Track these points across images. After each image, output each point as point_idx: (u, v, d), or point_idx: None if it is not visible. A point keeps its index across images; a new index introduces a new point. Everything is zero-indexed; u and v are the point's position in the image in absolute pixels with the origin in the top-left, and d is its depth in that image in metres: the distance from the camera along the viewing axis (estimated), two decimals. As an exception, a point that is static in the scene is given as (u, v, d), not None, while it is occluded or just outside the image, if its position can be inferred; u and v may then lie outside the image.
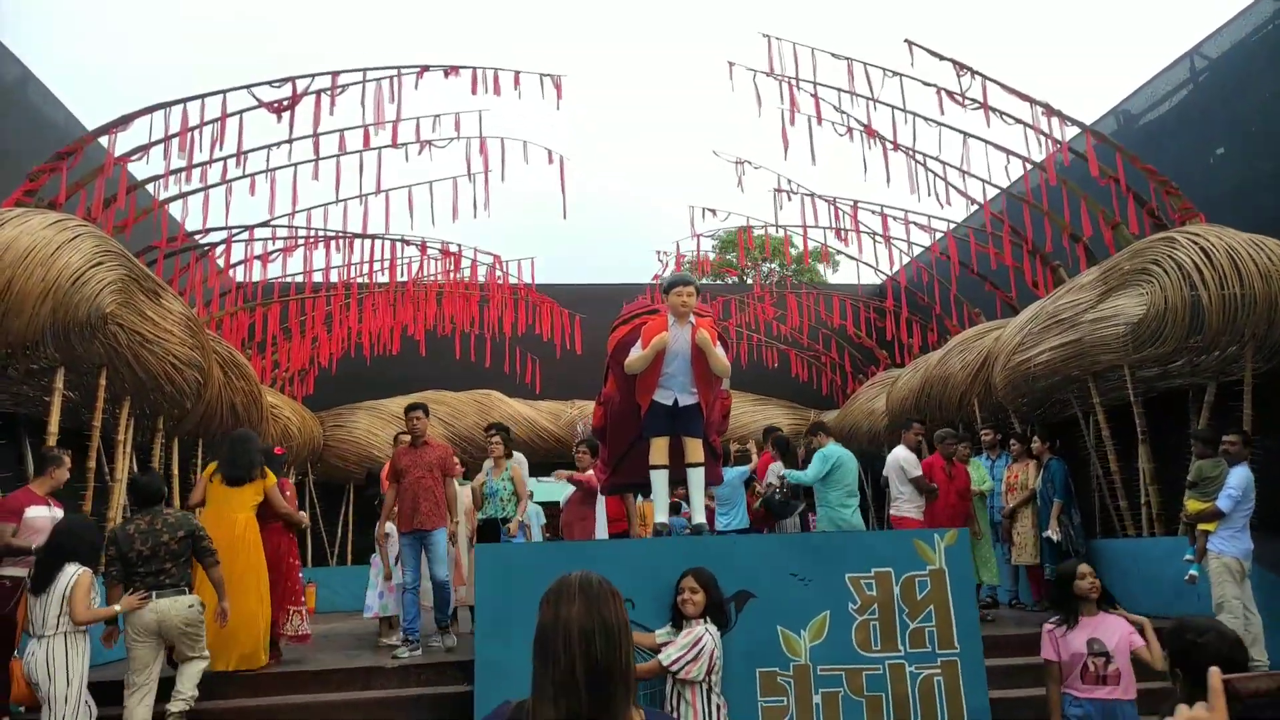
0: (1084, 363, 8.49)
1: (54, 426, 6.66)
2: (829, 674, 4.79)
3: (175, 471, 9.08)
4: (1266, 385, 7.43)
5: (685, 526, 11.23)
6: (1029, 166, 9.33)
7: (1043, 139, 8.65)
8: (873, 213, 11.03)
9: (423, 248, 11.04)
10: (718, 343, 5.87)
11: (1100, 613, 4.76)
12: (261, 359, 12.17)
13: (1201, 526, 6.73)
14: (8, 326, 6.26)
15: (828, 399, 16.04)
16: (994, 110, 8.48)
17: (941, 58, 8.44)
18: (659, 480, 5.90)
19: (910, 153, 9.34)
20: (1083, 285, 8.77)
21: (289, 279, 11.65)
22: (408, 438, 8.43)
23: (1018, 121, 8.57)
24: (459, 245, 11.22)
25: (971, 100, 8.58)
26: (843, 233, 11.48)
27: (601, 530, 7.54)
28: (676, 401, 5.87)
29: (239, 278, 10.40)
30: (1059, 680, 4.62)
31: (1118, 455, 8.78)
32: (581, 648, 1.98)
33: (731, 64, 9.83)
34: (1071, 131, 9.03)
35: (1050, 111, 8.31)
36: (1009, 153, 9.09)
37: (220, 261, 9.82)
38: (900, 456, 7.91)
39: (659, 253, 14.73)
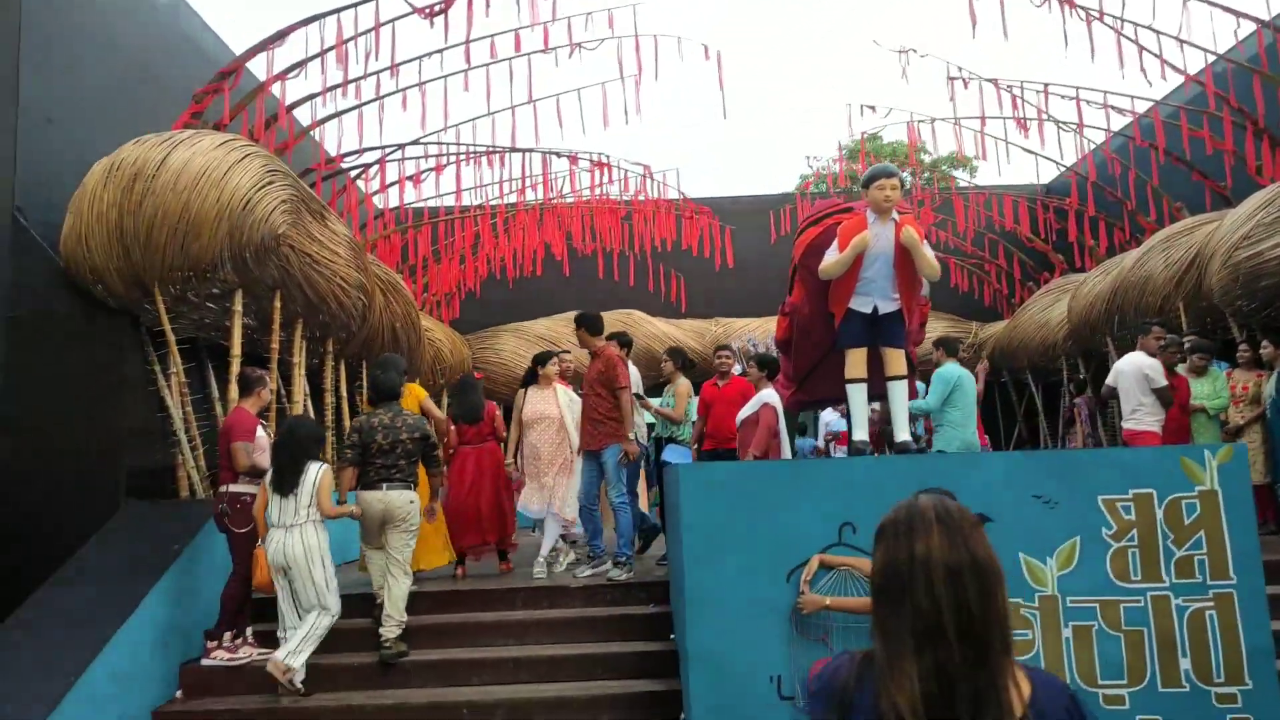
0: (1335, 255, 7.35)
1: (236, 349, 6.71)
2: (1080, 606, 4.24)
3: (344, 394, 9.19)
4: None
5: (813, 447, 10.68)
6: (1266, 26, 7.99)
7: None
8: (1064, 98, 9.85)
9: (573, 159, 10.61)
10: (924, 241, 5.25)
11: None
12: (413, 282, 12.19)
13: None
14: (187, 249, 6.25)
15: (990, 309, 14.97)
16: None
17: None
18: (857, 395, 5.39)
19: (1118, 22, 8.17)
20: (1333, 165, 7.55)
21: (439, 199, 11.51)
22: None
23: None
24: (605, 156, 10.72)
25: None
26: (1025, 123, 10.35)
27: (786, 451, 7.12)
28: (876, 309, 5.31)
29: (393, 200, 10.30)
30: None
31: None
32: (948, 589, 1.56)
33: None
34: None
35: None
36: (1238, 14, 7.81)
37: (375, 183, 9.72)
38: (1143, 363, 7.09)
39: (809, 158, 13.85)
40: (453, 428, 7.19)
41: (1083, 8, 8.49)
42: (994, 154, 17.42)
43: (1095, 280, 11.24)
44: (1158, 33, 8.27)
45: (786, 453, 7.29)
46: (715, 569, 4.29)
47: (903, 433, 5.38)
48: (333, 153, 8.51)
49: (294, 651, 5.28)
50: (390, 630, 5.62)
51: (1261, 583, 4.24)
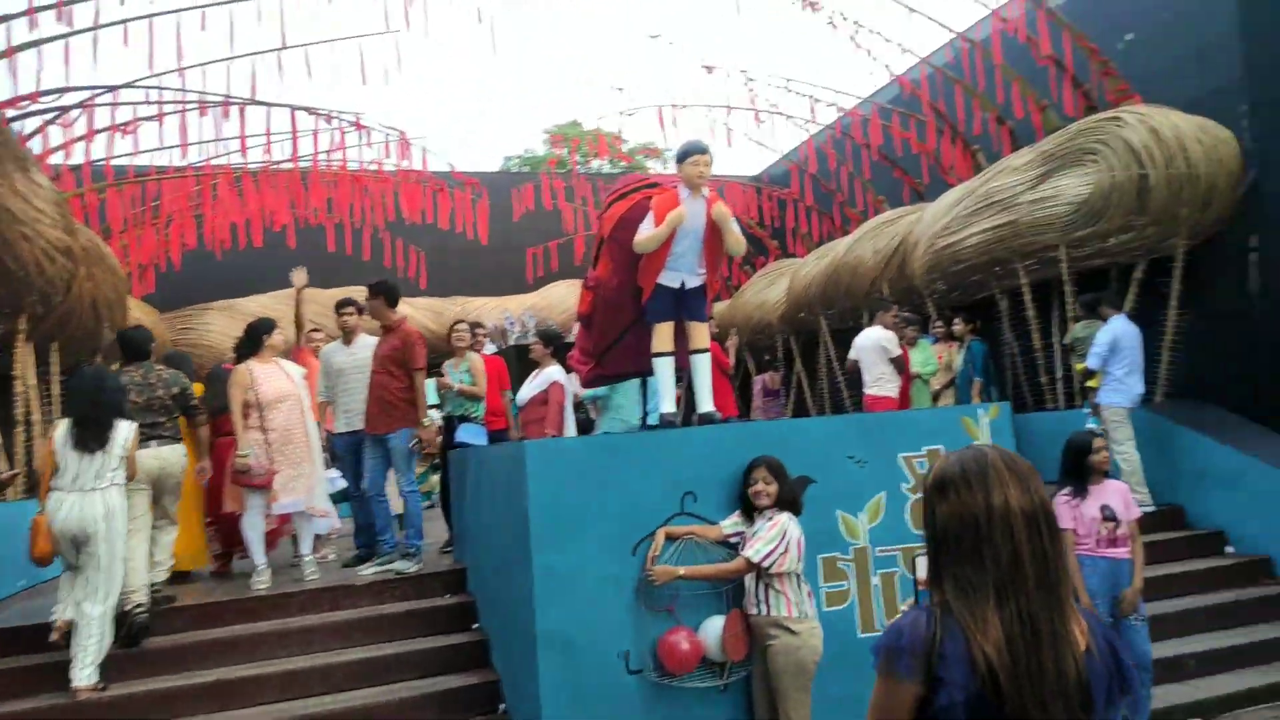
0: (1018, 244, 8.69)
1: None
2: (886, 555, 4.66)
3: (33, 382, 7.66)
4: (1192, 263, 7.86)
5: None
6: (963, 36, 9.20)
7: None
8: (779, 88, 10.70)
9: (326, 118, 9.63)
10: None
11: (1104, 479, 4.92)
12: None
13: (1090, 384, 7.32)
14: None
15: (712, 291, 15.94)
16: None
17: None
18: (664, 367, 5.47)
19: (841, 18, 9.00)
20: (1017, 167, 8.90)
21: (155, 153, 9.93)
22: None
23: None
24: (356, 116, 9.86)
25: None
26: (759, 115, 11.12)
27: (571, 429, 7.06)
28: (684, 283, 5.42)
29: (99, 152, 8.71)
30: (1073, 547, 4.78)
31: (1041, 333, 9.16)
32: (1028, 537, 1.63)
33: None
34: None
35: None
36: (939, 23, 8.95)
37: (80, 130, 8.10)
38: (881, 336, 7.90)
39: (546, 132, 13.82)
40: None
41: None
42: (724, 142, 18.46)
43: (812, 264, 12.40)
44: (872, 32, 9.22)
45: (571, 430, 7.25)
46: (563, 549, 4.16)
47: (706, 404, 5.55)
48: (30, 90, 6.99)
49: (92, 665, 4.65)
50: (158, 575, 5.48)
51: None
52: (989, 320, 10.08)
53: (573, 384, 6.97)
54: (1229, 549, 6.89)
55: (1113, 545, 4.79)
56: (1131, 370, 7.10)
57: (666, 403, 5.50)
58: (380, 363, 6.11)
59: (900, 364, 7.92)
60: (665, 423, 5.42)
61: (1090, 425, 7.11)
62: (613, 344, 6.06)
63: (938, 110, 9.98)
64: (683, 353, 5.67)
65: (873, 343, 7.97)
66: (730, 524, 4.32)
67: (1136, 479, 6.90)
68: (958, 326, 9.48)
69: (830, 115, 11.74)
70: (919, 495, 4.75)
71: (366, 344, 6.62)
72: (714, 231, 5.31)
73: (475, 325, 7.66)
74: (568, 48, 45.87)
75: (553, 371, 7.00)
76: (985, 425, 4.93)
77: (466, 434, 6.58)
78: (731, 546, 4.29)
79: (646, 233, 5.23)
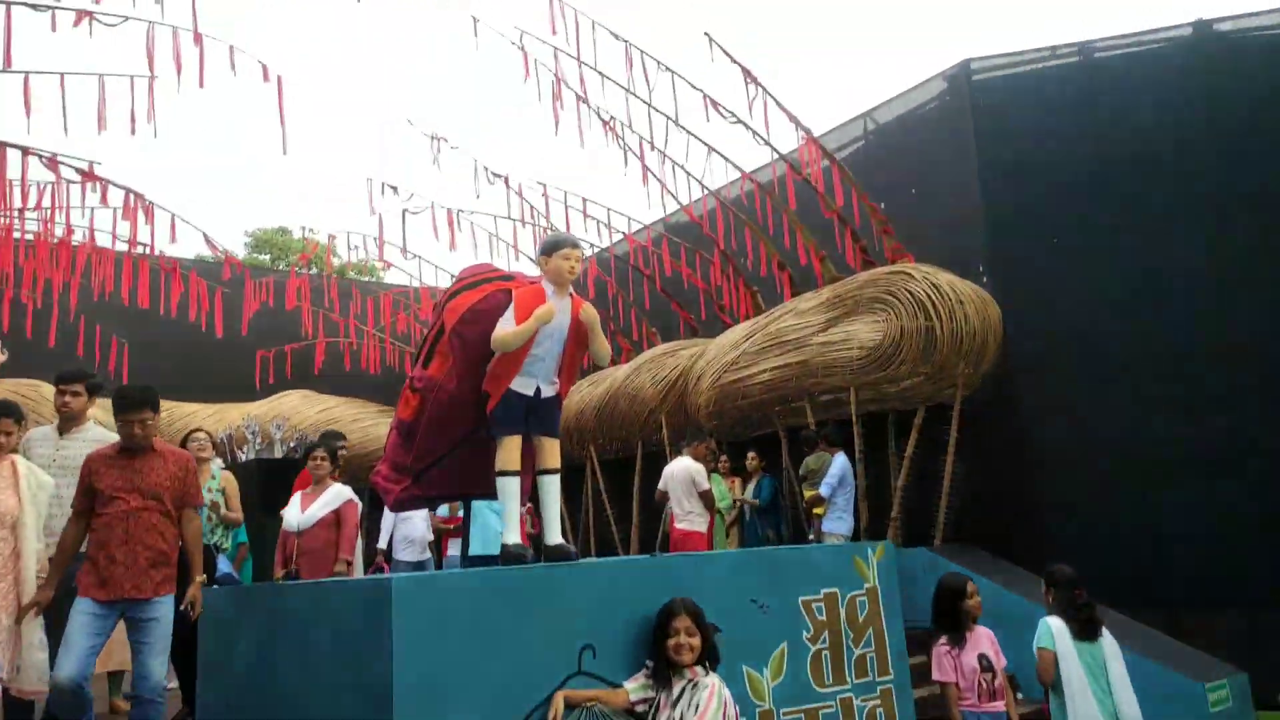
0: (809, 383, 8.88)
1: None
2: (790, 717, 4.04)
3: None
4: (966, 411, 8.43)
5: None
6: (751, 176, 9.55)
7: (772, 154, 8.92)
8: (584, 213, 10.50)
9: (52, 163, 7.50)
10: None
11: (975, 626, 4.78)
12: None
13: (816, 511, 8.03)
14: None
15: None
16: (747, 125, 8.55)
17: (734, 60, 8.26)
18: (511, 487, 4.63)
19: (638, 140, 9.02)
20: (803, 310, 9.21)
21: None
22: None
23: (759, 137, 8.72)
24: (89, 164, 7.85)
25: (730, 114, 8.56)
26: (539, 227, 10.78)
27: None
28: (539, 391, 4.70)
29: None
30: (955, 702, 4.55)
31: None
32: None
33: (476, 20, 8.63)
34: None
35: (812, 140, 8.60)
36: (731, 163, 9.26)
37: None
38: (691, 467, 7.46)
39: (248, 234, 12.41)
40: None
41: (608, 123, 9.20)
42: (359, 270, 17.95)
43: (587, 388, 11.99)
44: (667, 157, 9.32)
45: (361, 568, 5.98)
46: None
47: (556, 534, 4.72)
48: None
49: None
50: None
51: (908, 674, 4.55)
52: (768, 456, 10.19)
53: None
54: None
55: (993, 699, 4.56)
56: (849, 503, 7.98)
57: (512, 532, 4.60)
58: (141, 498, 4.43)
59: (710, 498, 7.57)
60: (511, 556, 4.50)
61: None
62: (438, 460, 5.06)
63: (722, 248, 10.21)
64: (529, 473, 4.87)
65: (683, 473, 7.56)
66: (637, 688, 3.49)
67: None
68: (751, 461, 9.46)
69: (612, 238, 11.69)
70: (820, 645, 4.23)
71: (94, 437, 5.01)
72: (578, 335, 4.68)
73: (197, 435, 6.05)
74: (347, 134, 43.67)
75: (342, 490, 5.78)
76: (874, 565, 4.58)
77: (227, 566, 5.11)
78: (638, 717, 3.46)
79: (508, 328, 4.48)
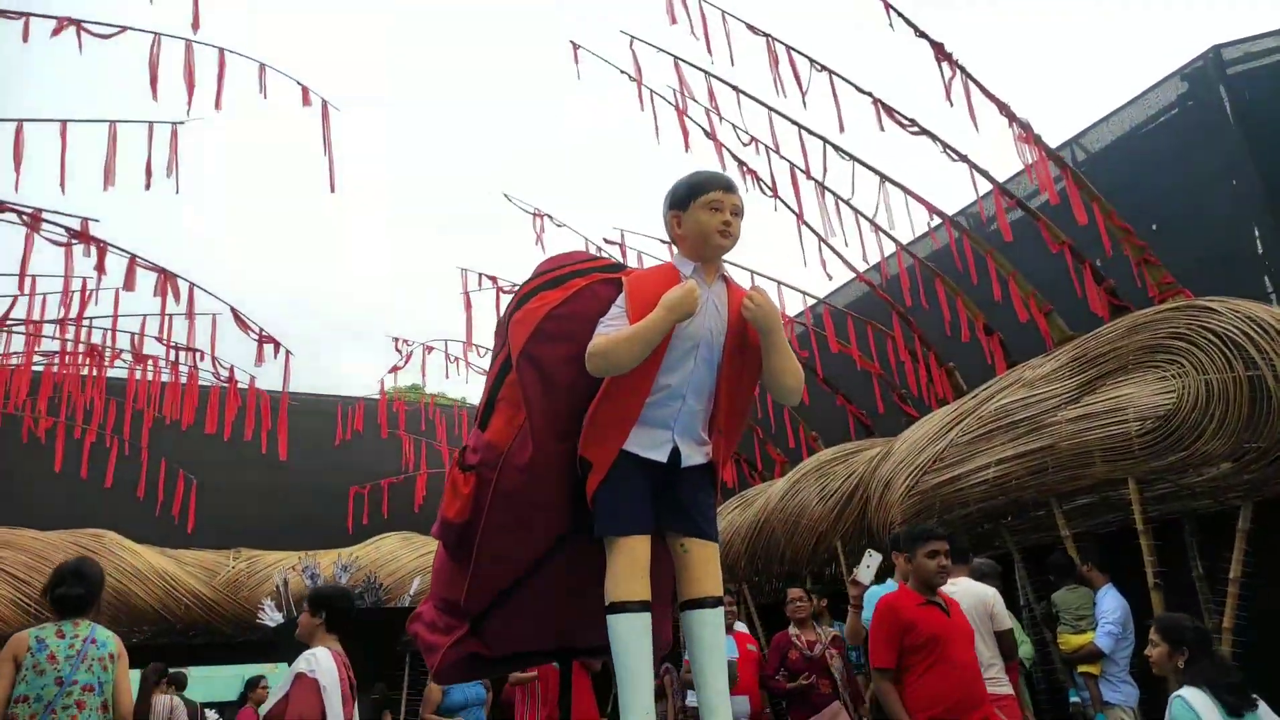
0: (1059, 477, 6.22)
1: None
2: None
3: None
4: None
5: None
6: (947, 218, 7.22)
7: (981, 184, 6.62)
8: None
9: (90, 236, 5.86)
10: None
11: None
12: None
13: (1086, 670, 5.55)
14: None
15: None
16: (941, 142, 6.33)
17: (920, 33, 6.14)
18: (636, 635, 2.41)
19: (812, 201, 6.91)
20: (1034, 380, 6.67)
21: None
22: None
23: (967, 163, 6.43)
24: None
25: (910, 122, 6.39)
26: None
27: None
28: (678, 452, 2.51)
29: None
30: None
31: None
32: None
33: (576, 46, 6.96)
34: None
35: (1029, 137, 6.23)
36: (934, 209, 6.98)
37: None
38: (985, 596, 4.77)
39: (397, 340, 10.95)
40: None
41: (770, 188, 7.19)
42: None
43: (734, 513, 9.56)
44: (855, 211, 7.14)
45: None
46: None
47: (722, 711, 2.37)
48: None
49: None
50: None
51: None
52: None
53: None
54: None
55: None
56: (1128, 659, 5.42)
57: (639, 710, 2.35)
58: None
59: (1011, 643, 4.80)
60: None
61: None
62: (510, 589, 2.79)
63: (906, 318, 7.84)
64: (666, 606, 2.70)
65: (977, 603, 4.83)
66: None
67: None
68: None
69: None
70: None
71: None
72: (742, 347, 2.52)
73: None
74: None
75: (305, 658, 3.55)
76: None
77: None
78: None
79: (616, 329, 2.40)
